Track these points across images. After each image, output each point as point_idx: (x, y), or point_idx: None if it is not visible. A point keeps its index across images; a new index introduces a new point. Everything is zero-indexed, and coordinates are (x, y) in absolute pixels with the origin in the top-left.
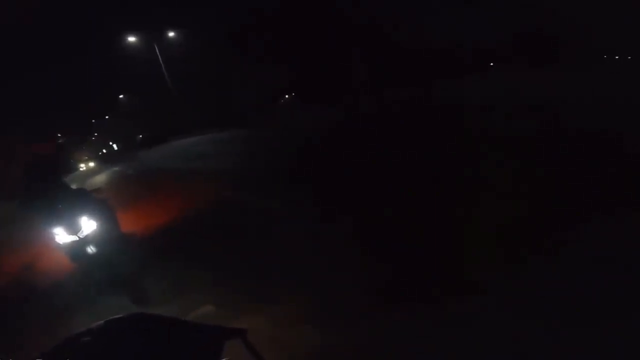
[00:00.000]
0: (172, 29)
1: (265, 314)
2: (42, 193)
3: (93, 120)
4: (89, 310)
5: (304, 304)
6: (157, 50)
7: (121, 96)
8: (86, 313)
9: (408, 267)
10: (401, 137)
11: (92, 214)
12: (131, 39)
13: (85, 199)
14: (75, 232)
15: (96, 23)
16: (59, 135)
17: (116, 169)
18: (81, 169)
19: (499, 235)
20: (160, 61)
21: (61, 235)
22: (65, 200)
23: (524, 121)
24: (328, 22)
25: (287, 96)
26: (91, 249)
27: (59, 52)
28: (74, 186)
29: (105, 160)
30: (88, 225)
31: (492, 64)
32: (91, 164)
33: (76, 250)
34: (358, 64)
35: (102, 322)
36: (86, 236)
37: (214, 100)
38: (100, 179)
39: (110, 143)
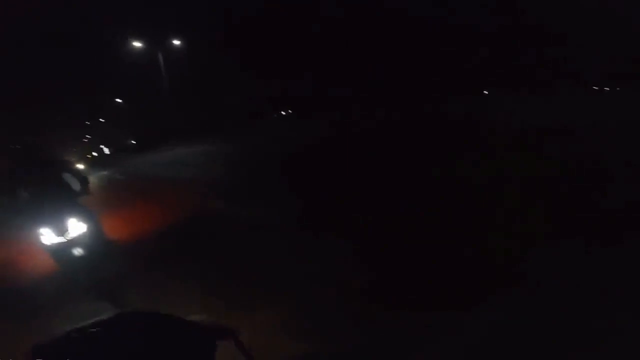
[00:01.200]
0: (173, 35)
1: (249, 320)
2: (31, 185)
3: (87, 122)
4: (71, 311)
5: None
6: (160, 57)
7: (118, 100)
8: (67, 314)
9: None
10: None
11: (81, 215)
12: (134, 43)
13: (73, 199)
14: (62, 233)
15: (95, 24)
16: (52, 132)
17: (105, 172)
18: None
19: None
20: (162, 67)
21: (47, 236)
22: (53, 198)
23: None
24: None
25: (283, 113)
26: (77, 252)
27: (59, 50)
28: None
29: (95, 163)
30: (76, 227)
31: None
32: (81, 166)
33: (62, 252)
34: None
35: (98, 318)
36: (73, 238)
37: (208, 109)
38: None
39: (102, 146)
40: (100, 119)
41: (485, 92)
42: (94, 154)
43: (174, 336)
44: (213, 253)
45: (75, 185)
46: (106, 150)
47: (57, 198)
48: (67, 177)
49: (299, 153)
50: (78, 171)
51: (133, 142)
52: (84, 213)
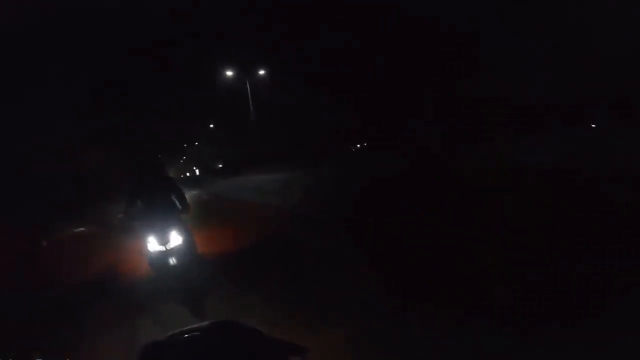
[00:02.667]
0: (262, 66)
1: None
2: (150, 197)
3: (185, 145)
4: (155, 311)
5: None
6: (248, 85)
7: (211, 125)
8: (151, 314)
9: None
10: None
11: (180, 229)
12: (227, 72)
13: (177, 215)
14: (164, 243)
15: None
16: (160, 156)
17: (195, 192)
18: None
19: None
20: (249, 96)
21: (152, 244)
22: (164, 211)
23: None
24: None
25: (358, 145)
26: (172, 261)
27: (168, 80)
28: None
29: (186, 183)
30: (175, 238)
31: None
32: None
33: (160, 259)
34: (430, 112)
35: (207, 323)
36: (172, 249)
37: (290, 140)
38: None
39: (194, 168)
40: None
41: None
42: (187, 174)
43: (258, 348)
44: (287, 277)
45: (179, 202)
46: (197, 172)
47: (166, 211)
48: (175, 194)
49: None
50: (181, 190)
51: (220, 166)
52: (183, 228)
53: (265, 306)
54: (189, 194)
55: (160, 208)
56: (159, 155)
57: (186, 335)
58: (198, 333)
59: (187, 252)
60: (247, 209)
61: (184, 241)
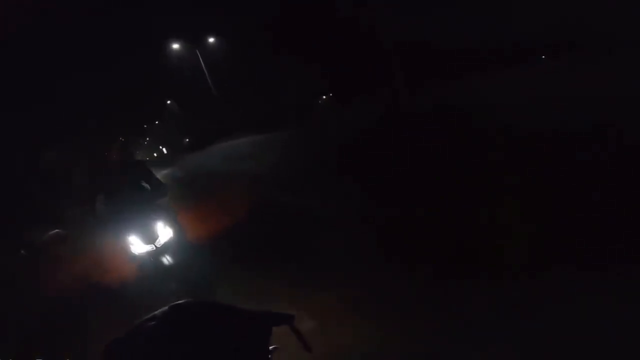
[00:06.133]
0: (212, 33)
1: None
2: (120, 189)
3: (145, 125)
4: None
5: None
6: (199, 55)
7: (168, 102)
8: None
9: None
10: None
11: (166, 218)
12: (174, 45)
13: (153, 200)
14: (152, 241)
15: (136, 30)
16: (122, 139)
17: (166, 171)
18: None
19: None
20: (203, 66)
21: (137, 245)
22: (137, 200)
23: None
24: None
25: (324, 97)
26: (167, 260)
27: (106, 57)
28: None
29: (156, 164)
30: (164, 232)
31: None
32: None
33: (150, 261)
34: (393, 59)
35: (166, 307)
36: (162, 245)
37: (253, 103)
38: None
39: (160, 147)
40: (156, 122)
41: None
42: (155, 154)
43: (230, 323)
44: (284, 250)
45: (153, 186)
46: (164, 151)
47: (142, 202)
48: (144, 178)
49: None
50: (151, 171)
51: (186, 140)
52: (168, 216)
53: (275, 292)
54: (160, 175)
55: (135, 199)
56: (121, 139)
57: (146, 324)
58: (157, 320)
59: (181, 245)
60: (223, 179)
61: (174, 233)
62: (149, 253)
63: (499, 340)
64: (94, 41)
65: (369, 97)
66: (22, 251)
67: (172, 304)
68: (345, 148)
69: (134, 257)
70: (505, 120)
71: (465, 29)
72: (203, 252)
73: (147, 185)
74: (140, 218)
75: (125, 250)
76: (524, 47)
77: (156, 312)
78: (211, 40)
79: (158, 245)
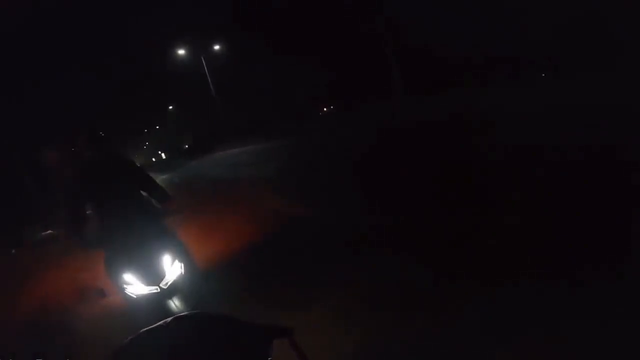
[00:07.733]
0: (216, 40)
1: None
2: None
3: (145, 130)
4: None
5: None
6: (204, 62)
7: (170, 107)
8: None
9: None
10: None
11: (174, 247)
12: (179, 51)
13: (156, 218)
14: (157, 281)
15: (142, 36)
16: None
17: (164, 176)
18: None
19: None
20: (207, 73)
21: (135, 285)
22: (134, 218)
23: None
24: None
25: (325, 109)
26: (175, 305)
27: (108, 62)
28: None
29: (152, 168)
30: (173, 268)
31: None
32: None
33: (153, 306)
34: (394, 68)
35: (169, 318)
36: (171, 285)
37: (256, 111)
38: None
39: (159, 152)
40: (157, 127)
41: None
42: (153, 159)
43: (231, 334)
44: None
45: (154, 195)
46: (163, 156)
47: (142, 221)
48: (142, 184)
49: None
50: (149, 176)
51: (186, 146)
52: (176, 243)
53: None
54: (159, 181)
55: (130, 216)
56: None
57: (150, 334)
58: (162, 330)
59: (193, 283)
60: (226, 188)
61: (185, 268)
62: (152, 295)
63: (498, 349)
64: (94, 41)
65: (369, 106)
66: (13, 251)
67: (176, 315)
68: (348, 157)
69: (131, 301)
70: (503, 131)
71: (468, 38)
72: (217, 284)
73: (145, 195)
74: (140, 250)
75: (115, 288)
76: (523, 59)
77: (160, 323)
78: (215, 47)
79: (164, 287)
